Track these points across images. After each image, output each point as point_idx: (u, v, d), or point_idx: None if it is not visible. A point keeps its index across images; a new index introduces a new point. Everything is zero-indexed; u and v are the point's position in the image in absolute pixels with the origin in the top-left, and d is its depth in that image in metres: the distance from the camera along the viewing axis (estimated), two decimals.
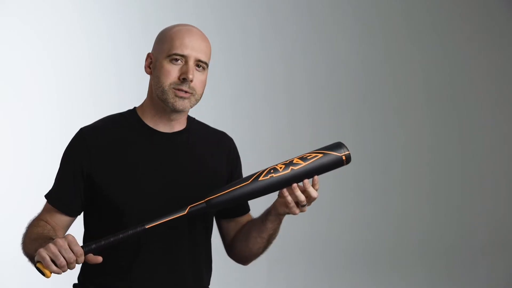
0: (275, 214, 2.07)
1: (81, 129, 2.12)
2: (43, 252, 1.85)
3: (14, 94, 4.09)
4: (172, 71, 2.05)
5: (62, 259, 1.84)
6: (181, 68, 2.05)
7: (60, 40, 4.18)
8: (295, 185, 1.97)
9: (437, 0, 5.17)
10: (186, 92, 2.05)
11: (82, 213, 2.14)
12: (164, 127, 2.12)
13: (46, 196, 2.11)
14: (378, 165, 5.01)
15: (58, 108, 4.16)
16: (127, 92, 4.12)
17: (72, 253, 1.85)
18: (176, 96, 2.05)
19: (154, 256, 2.07)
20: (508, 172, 5.27)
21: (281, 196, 2.02)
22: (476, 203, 5.19)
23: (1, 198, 4.05)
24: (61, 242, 1.85)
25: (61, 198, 2.09)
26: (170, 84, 2.05)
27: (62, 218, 2.10)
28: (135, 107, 2.17)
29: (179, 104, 2.06)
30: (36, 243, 1.96)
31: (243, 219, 2.23)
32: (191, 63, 2.06)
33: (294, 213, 2.01)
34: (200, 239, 2.14)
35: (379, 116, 5.02)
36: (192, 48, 2.06)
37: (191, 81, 2.04)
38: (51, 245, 1.85)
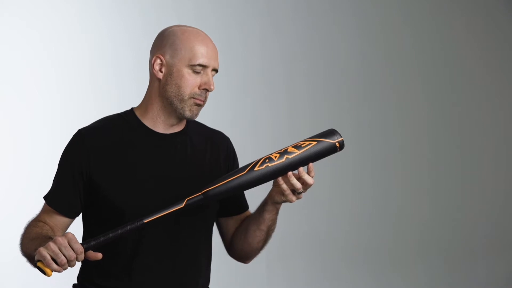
0: (271, 203, 2.08)
1: (79, 130, 2.12)
2: (43, 251, 1.85)
3: (14, 94, 4.09)
4: (194, 81, 2.07)
5: (62, 257, 1.84)
6: (202, 78, 2.08)
7: (60, 40, 4.18)
8: (290, 173, 1.98)
9: (437, 0, 5.18)
10: (202, 101, 2.08)
11: (80, 214, 2.15)
12: (163, 128, 2.13)
13: (45, 197, 2.12)
14: (378, 164, 5.01)
15: (58, 108, 4.16)
16: (127, 92, 4.12)
17: (72, 251, 1.85)
18: (194, 105, 2.07)
19: (154, 255, 2.07)
20: (508, 172, 5.28)
21: (276, 184, 2.03)
22: (476, 203, 5.19)
23: (1, 198, 4.04)
24: (61, 240, 1.85)
25: (59, 199, 2.09)
26: (191, 93, 2.07)
27: (61, 219, 2.10)
28: (132, 108, 2.17)
29: (195, 114, 2.09)
30: (35, 243, 1.96)
31: (242, 216, 2.24)
32: (210, 73, 2.09)
33: (291, 201, 2.02)
34: (200, 238, 2.14)
35: (379, 116, 5.02)
36: (210, 58, 2.09)
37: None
38: (51, 244, 1.85)
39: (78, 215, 2.13)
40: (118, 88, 4.26)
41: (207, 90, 2.08)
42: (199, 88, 2.07)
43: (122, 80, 4.28)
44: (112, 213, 2.06)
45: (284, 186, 2.00)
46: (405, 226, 5.02)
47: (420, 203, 5.09)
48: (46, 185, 2.17)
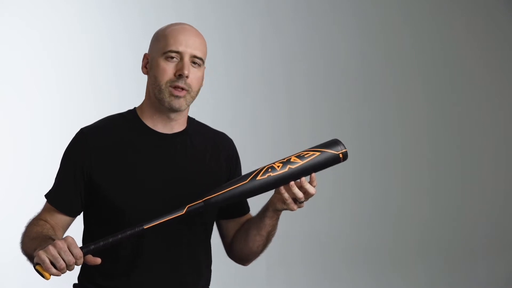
0: (272, 210, 2.08)
1: (82, 130, 2.12)
2: (42, 254, 1.84)
3: (14, 94, 4.09)
4: (168, 69, 2.05)
5: (61, 262, 1.84)
6: (177, 65, 2.06)
7: (60, 40, 4.18)
8: (292, 183, 1.98)
9: (437, 0, 5.17)
10: (182, 89, 2.05)
11: (81, 213, 2.14)
12: (163, 128, 2.12)
13: (46, 195, 2.12)
14: (378, 164, 5.01)
15: (58, 108, 4.16)
16: (127, 92, 4.12)
17: (71, 256, 1.85)
18: (172, 95, 2.05)
19: (154, 256, 2.07)
20: (508, 172, 5.27)
21: (278, 192, 2.02)
22: (476, 203, 5.19)
23: (1, 198, 4.04)
24: (61, 244, 1.85)
25: (61, 198, 2.09)
26: (167, 82, 2.05)
27: (62, 218, 2.10)
28: (135, 108, 2.17)
29: (175, 103, 2.06)
30: (35, 242, 1.96)
31: (243, 219, 2.23)
32: (187, 59, 2.06)
33: (292, 209, 2.02)
34: (199, 239, 2.14)
35: (379, 116, 5.02)
36: (186, 45, 2.06)
37: (187, 77, 2.05)
38: (51, 248, 1.84)
39: (79, 214, 2.13)
40: (118, 88, 4.26)
41: (181, 76, 2.04)
42: (174, 75, 2.05)
43: (122, 80, 4.28)
44: (112, 213, 2.06)
45: (286, 195, 1.99)
46: (405, 226, 5.02)
47: (420, 203, 5.08)
48: (46, 185, 2.17)
